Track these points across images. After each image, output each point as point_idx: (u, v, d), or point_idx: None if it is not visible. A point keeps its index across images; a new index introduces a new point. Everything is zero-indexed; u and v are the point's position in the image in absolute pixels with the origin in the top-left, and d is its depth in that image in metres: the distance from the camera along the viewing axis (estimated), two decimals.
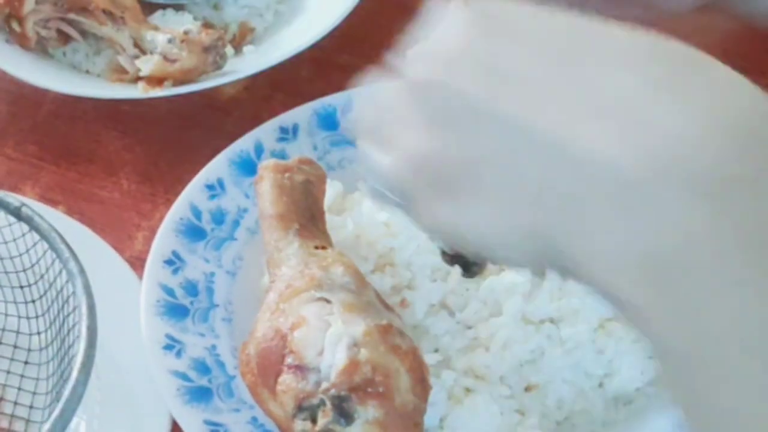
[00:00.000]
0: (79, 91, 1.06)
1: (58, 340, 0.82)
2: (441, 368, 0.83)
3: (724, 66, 0.56)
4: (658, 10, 0.83)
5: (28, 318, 0.88)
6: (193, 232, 0.92)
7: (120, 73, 1.08)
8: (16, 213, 0.84)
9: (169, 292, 0.88)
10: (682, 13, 0.88)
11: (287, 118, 1.00)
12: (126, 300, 0.88)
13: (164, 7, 1.12)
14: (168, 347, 0.85)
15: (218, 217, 0.94)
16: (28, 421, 0.84)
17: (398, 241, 0.87)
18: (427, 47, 0.60)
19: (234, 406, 0.82)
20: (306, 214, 0.86)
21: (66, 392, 0.72)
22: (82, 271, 0.79)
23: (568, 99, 0.53)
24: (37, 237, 0.83)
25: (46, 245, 0.82)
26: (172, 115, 1.10)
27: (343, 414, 0.71)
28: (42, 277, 0.85)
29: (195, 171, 0.96)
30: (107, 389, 0.85)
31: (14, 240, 0.86)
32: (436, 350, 0.84)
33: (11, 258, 0.87)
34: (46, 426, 0.71)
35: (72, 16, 1.08)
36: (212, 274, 0.91)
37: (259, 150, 0.98)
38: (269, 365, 0.75)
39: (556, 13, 0.56)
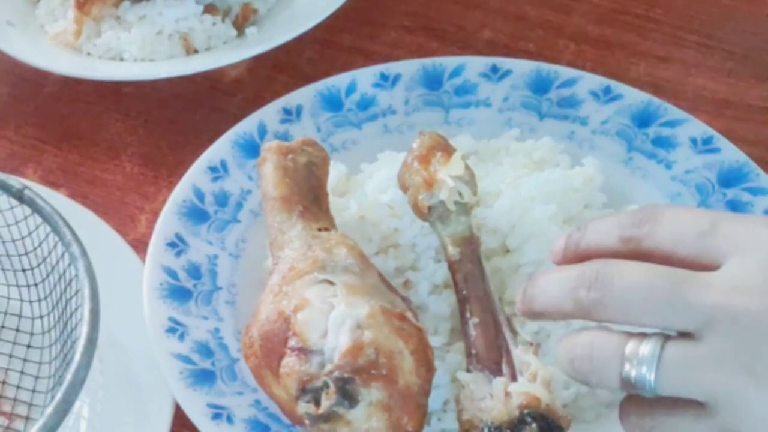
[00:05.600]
0: (80, 73, 1.06)
1: (61, 324, 0.82)
2: (445, 350, 0.83)
3: None
4: None
5: (30, 302, 0.87)
6: (196, 215, 0.92)
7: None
8: (18, 196, 0.83)
9: (172, 274, 0.88)
10: None
11: (290, 99, 1.00)
12: (129, 283, 0.88)
13: None
14: (171, 330, 0.85)
15: (221, 200, 0.93)
16: (30, 405, 0.84)
17: (402, 222, 0.87)
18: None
19: (237, 389, 0.82)
20: (309, 196, 0.85)
21: (68, 376, 0.72)
22: (84, 254, 0.79)
23: None
24: (39, 220, 0.83)
25: (48, 228, 0.82)
26: (174, 97, 1.09)
27: (347, 396, 0.70)
28: (44, 260, 0.85)
29: (198, 153, 0.96)
30: (110, 373, 0.85)
31: (16, 223, 0.86)
32: (436, 332, 0.84)
33: (13, 241, 0.87)
34: (49, 410, 0.71)
35: None
36: (215, 256, 0.90)
37: (262, 131, 0.97)
38: (272, 348, 0.75)
39: None
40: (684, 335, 0.62)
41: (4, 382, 0.86)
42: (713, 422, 0.62)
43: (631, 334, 0.64)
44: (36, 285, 0.87)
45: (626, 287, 0.63)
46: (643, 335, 0.63)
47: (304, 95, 1.00)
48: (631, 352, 0.63)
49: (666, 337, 0.63)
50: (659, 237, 0.64)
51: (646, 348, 0.62)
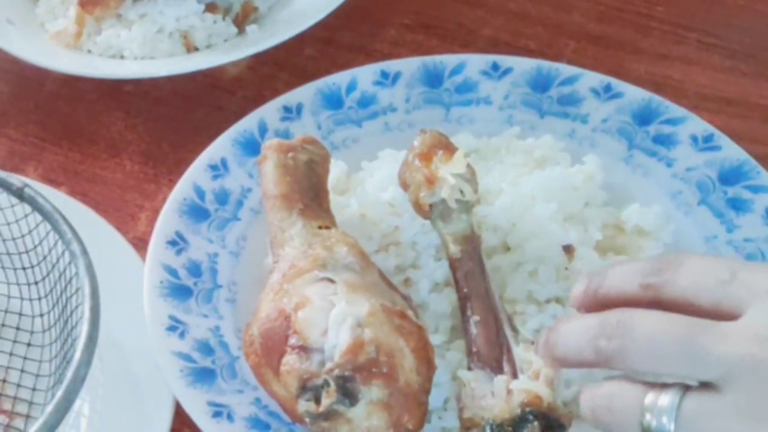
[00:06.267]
0: (81, 71, 1.05)
1: (61, 322, 0.82)
2: (446, 348, 0.83)
3: None
4: None
5: (30, 300, 0.87)
6: (197, 213, 0.92)
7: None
8: (19, 194, 0.83)
9: (173, 272, 0.88)
10: None
11: (291, 97, 1.00)
12: (129, 281, 0.88)
13: None
14: (171, 328, 0.84)
15: (222, 198, 0.93)
16: (31, 403, 0.84)
17: (402, 221, 0.87)
18: None
19: (237, 387, 0.82)
20: (310, 194, 0.85)
21: (69, 374, 0.72)
22: (84, 252, 0.79)
23: None
24: (39, 218, 0.83)
25: (48, 226, 0.82)
26: (175, 95, 1.09)
27: (347, 394, 0.70)
28: (44, 258, 0.85)
29: (198, 151, 0.96)
30: (110, 371, 0.85)
31: (16, 221, 0.86)
32: (436, 330, 0.84)
33: (13, 239, 0.87)
34: (49, 408, 0.71)
35: None
36: (216, 254, 0.90)
37: (262, 129, 0.97)
38: (273, 346, 0.75)
39: None
40: (704, 385, 0.62)
41: (4, 381, 0.86)
42: None
43: (651, 384, 0.64)
44: (36, 283, 0.87)
45: (647, 337, 0.63)
46: (664, 385, 0.63)
47: (305, 93, 1.00)
48: (650, 403, 0.63)
49: (686, 387, 0.63)
50: (679, 285, 0.64)
51: (666, 399, 0.63)
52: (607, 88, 1.00)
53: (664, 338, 0.62)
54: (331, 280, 0.76)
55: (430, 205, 0.83)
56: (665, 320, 0.63)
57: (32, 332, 0.87)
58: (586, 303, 0.69)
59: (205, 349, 0.84)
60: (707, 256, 0.68)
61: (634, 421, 0.63)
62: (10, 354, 0.87)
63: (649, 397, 0.63)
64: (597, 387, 0.66)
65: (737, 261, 0.71)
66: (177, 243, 0.90)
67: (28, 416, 0.84)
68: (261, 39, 1.08)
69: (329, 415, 0.70)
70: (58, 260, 0.82)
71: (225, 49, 1.08)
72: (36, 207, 0.83)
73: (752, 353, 0.60)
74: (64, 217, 0.81)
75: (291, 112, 0.99)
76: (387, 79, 1.01)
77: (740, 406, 0.61)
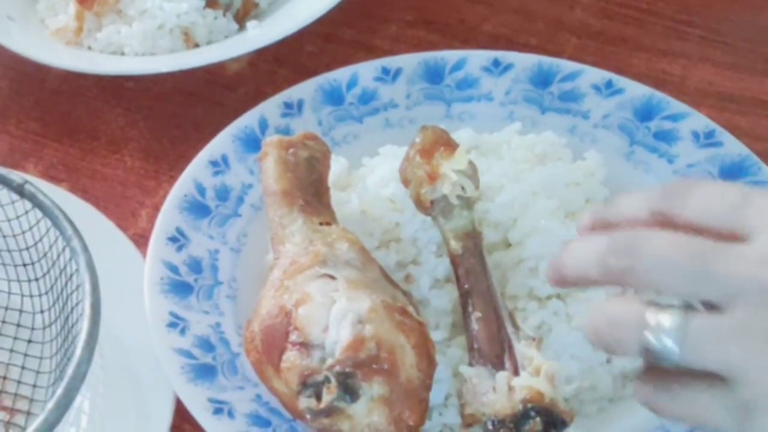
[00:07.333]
0: (81, 68, 1.05)
1: (62, 319, 0.82)
2: (447, 345, 0.83)
3: None
4: None
5: (31, 296, 0.87)
6: (197, 209, 0.92)
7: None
8: (19, 190, 0.83)
9: (173, 269, 0.88)
10: None
11: (292, 93, 1.00)
12: (130, 278, 0.88)
13: None
14: (172, 325, 0.84)
15: (222, 194, 0.93)
16: (31, 400, 0.84)
17: (403, 217, 0.87)
18: None
19: (238, 384, 0.82)
20: (310, 191, 0.85)
21: (69, 371, 0.72)
22: (85, 248, 0.79)
23: None
24: (40, 214, 0.83)
25: (49, 223, 0.82)
26: (175, 91, 1.09)
27: (348, 391, 0.70)
28: (45, 255, 0.85)
29: (199, 147, 0.96)
30: (111, 367, 0.85)
31: (17, 218, 0.85)
32: (437, 327, 0.84)
33: (14, 236, 0.87)
34: (50, 405, 0.71)
35: None
36: (216, 251, 0.90)
37: (263, 126, 0.97)
38: (274, 342, 0.75)
39: None
40: (710, 307, 0.61)
41: (5, 378, 0.86)
42: (732, 396, 0.61)
43: (656, 304, 0.63)
44: (37, 280, 0.87)
45: (656, 255, 0.62)
46: (669, 305, 0.62)
47: (306, 89, 1.00)
48: (655, 322, 0.62)
49: (691, 307, 0.62)
50: (690, 210, 0.64)
51: (671, 317, 0.61)
52: (609, 84, 0.99)
53: (674, 257, 0.62)
54: (332, 277, 0.76)
55: (432, 201, 0.83)
56: (675, 239, 0.62)
57: (33, 329, 0.87)
58: (594, 231, 0.67)
59: (206, 345, 0.84)
60: (718, 182, 0.66)
61: (637, 340, 0.62)
62: (11, 351, 0.87)
63: (654, 317, 0.62)
64: (601, 304, 0.65)
65: (749, 187, 0.69)
66: (178, 239, 0.90)
67: (28, 413, 0.84)
68: (261, 35, 1.07)
69: (330, 411, 0.70)
70: (58, 257, 0.82)
71: (225, 46, 1.08)
72: (36, 203, 0.83)
73: (760, 275, 0.60)
74: (64, 214, 0.81)
75: (292, 109, 0.99)
76: (388, 75, 1.01)
77: (745, 327, 0.60)
